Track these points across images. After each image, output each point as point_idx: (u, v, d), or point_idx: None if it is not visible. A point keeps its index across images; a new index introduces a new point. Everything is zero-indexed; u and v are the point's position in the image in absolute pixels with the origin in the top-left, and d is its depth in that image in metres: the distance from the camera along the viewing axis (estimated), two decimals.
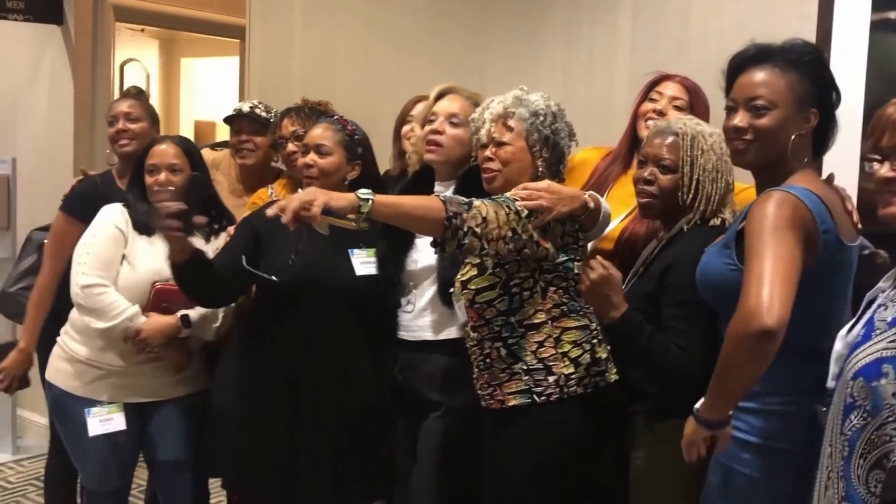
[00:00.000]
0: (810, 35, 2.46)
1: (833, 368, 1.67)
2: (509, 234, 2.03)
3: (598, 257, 2.09)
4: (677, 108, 2.52)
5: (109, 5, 4.16)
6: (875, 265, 2.03)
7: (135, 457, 2.69)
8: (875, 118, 1.63)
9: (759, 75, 1.82)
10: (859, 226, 1.95)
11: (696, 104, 2.52)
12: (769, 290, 1.64)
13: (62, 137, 4.30)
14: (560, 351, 2.14)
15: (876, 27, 2.36)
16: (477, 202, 2.02)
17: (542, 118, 2.20)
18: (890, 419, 1.50)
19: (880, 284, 1.65)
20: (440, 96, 2.47)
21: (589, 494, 2.18)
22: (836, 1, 2.43)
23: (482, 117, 2.24)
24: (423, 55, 3.53)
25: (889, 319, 1.55)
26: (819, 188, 1.81)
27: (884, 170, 1.58)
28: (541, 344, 2.14)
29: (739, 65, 1.87)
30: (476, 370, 2.24)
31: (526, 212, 2.06)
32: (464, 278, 2.18)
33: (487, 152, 2.21)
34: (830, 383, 1.67)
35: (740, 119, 1.83)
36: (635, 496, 2.16)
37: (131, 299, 2.54)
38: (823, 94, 1.84)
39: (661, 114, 2.49)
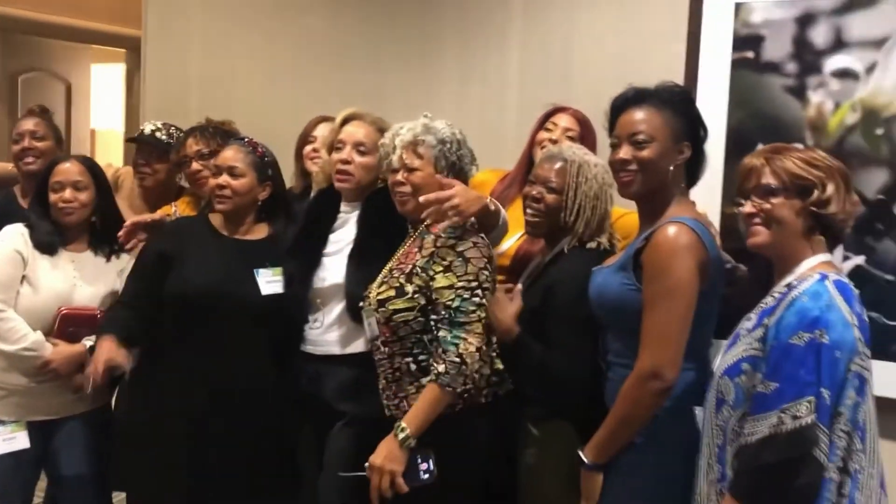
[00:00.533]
0: (679, 69, 2.71)
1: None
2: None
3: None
4: (570, 138, 2.73)
5: None
6: (735, 277, 2.30)
7: (37, 474, 2.67)
8: (738, 168, 1.90)
9: (639, 114, 2.02)
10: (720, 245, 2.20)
11: (586, 135, 2.74)
12: (669, 349, 1.90)
13: None
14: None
15: (736, 65, 2.60)
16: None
17: (448, 145, 2.34)
18: (747, 411, 1.74)
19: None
20: (345, 122, 2.56)
21: (488, 494, 2.34)
22: (702, 39, 2.66)
23: (392, 143, 2.35)
24: (322, 76, 3.61)
25: (749, 327, 1.81)
26: (698, 216, 2.04)
27: (746, 207, 1.84)
28: None
29: (620, 105, 2.07)
30: (384, 381, 2.34)
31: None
32: (381, 297, 2.28)
33: (399, 177, 2.33)
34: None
35: (624, 152, 2.02)
36: (527, 492, 2.31)
37: (35, 322, 2.54)
38: (693, 129, 2.05)
39: (554, 143, 2.69)
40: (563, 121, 2.75)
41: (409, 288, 2.26)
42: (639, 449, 1.98)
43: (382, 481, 2.19)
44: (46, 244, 2.57)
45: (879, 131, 2.37)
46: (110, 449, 2.62)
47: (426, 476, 2.21)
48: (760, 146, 2.31)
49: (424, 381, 2.26)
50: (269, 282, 2.52)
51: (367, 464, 2.22)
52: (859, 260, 2.36)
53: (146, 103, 3.89)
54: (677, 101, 2.04)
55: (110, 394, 2.74)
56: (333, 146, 2.55)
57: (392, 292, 2.27)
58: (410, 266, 2.29)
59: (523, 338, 2.20)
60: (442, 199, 2.23)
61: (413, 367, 2.28)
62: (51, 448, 2.62)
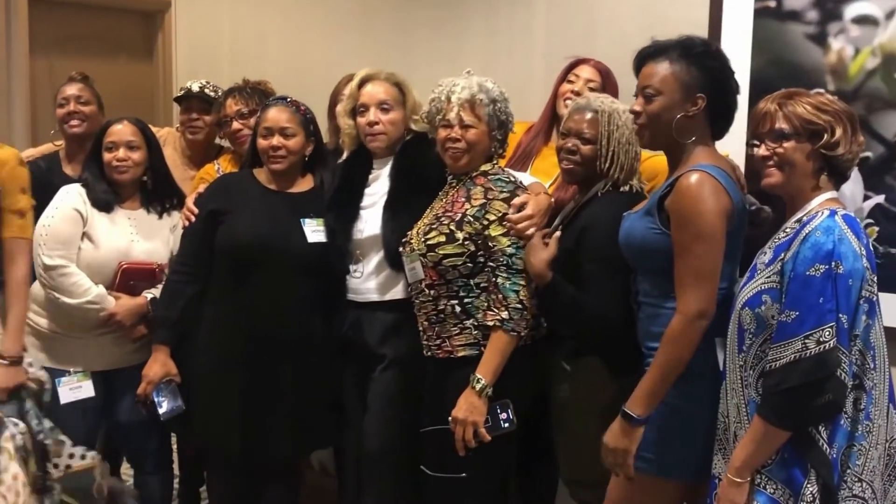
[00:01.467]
0: (703, 20, 2.77)
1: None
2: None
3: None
4: (592, 89, 2.81)
5: None
6: (760, 218, 2.42)
7: (99, 422, 2.80)
8: (753, 112, 2.00)
9: (653, 67, 2.11)
10: (745, 189, 2.30)
11: (607, 85, 2.83)
12: (707, 289, 2.00)
13: None
14: None
15: (758, 14, 2.67)
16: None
17: (498, 104, 2.44)
18: (769, 337, 1.87)
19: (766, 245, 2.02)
20: (361, 85, 2.65)
21: (526, 433, 2.48)
22: None
23: (446, 98, 2.43)
24: (352, 33, 3.68)
25: (766, 261, 1.93)
26: (722, 162, 2.13)
27: (761, 150, 1.96)
28: None
29: (640, 60, 2.16)
30: (425, 323, 2.46)
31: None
32: (431, 242, 2.40)
33: (453, 133, 2.42)
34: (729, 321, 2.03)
35: (637, 104, 2.14)
36: (560, 425, 2.44)
37: (96, 277, 2.66)
38: (713, 80, 2.11)
39: (577, 94, 2.78)
40: (585, 72, 2.84)
41: (460, 235, 2.37)
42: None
43: (466, 432, 2.32)
44: (103, 202, 2.69)
45: None
46: None
47: (507, 425, 2.35)
48: None
49: (468, 322, 2.38)
50: (315, 231, 2.63)
51: (450, 417, 2.34)
52: (879, 199, 2.45)
53: (178, 66, 3.97)
54: (695, 54, 2.10)
55: None
56: (356, 110, 2.64)
57: (442, 238, 2.38)
58: (460, 214, 2.40)
59: (556, 280, 2.30)
60: (523, 219, 2.33)
61: (458, 308, 2.40)
62: (111, 396, 2.76)
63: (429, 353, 2.48)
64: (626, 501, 2.18)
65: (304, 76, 3.61)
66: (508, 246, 2.35)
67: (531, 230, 2.36)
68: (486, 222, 2.38)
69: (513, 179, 2.47)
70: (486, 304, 2.38)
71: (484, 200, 2.40)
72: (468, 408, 2.32)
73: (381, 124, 2.60)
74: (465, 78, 2.46)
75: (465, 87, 2.43)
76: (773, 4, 2.64)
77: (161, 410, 2.61)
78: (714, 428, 2.08)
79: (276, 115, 2.64)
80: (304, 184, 2.73)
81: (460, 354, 2.40)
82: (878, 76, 2.48)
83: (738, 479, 1.89)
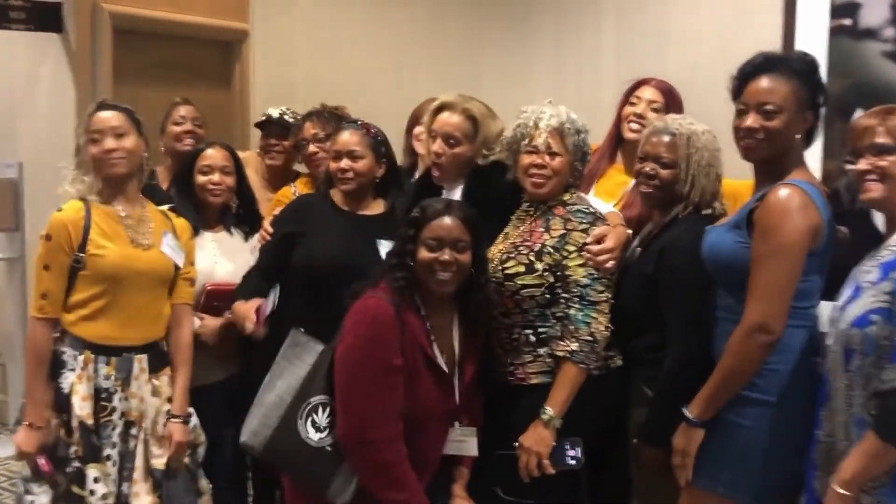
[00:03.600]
0: (776, 40, 2.77)
1: (829, 328, 2.02)
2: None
3: None
4: (654, 110, 2.84)
5: (107, 13, 4.30)
6: (837, 239, 2.38)
7: None
8: (850, 128, 2.01)
9: (768, 83, 2.10)
10: None
11: (671, 104, 2.84)
12: (775, 304, 2.01)
13: (65, 142, 4.43)
14: None
15: (834, 32, 2.67)
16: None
17: (582, 136, 2.47)
18: (881, 356, 1.85)
19: (864, 261, 2.01)
20: (438, 111, 2.70)
21: (595, 457, 2.49)
22: (797, 9, 2.73)
23: (533, 126, 2.44)
24: (421, 58, 3.75)
25: (873, 280, 1.91)
26: (814, 180, 2.13)
27: (861, 165, 1.95)
28: None
29: (750, 72, 2.14)
30: (499, 350, 2.47)
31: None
32: (509, 272, 2.40)
33: (539, 159, 2.42)
34: (829, 341, 2.01)
35: (753, 120, 2.10)
36: (637, 450, 2.43)
37: None
38: (815, 98, 2.13)
39: (640, 117, 2.81)
40: (647, 93, 2.85)
41: (539, 266, 2.38)
42: (760, 403, 2.08)
43: (530, 461, 2.33)
44: (191, 227, 2.75)
45: None
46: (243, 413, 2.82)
47: (573, 462, 2.35)
48: (859, 111, 2.42)
49: (542, 351, 2.39)
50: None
51: (515, 443, 2.35)
52: None
53: (255, 93, 4.09)
54: (804, 70, 2.11)
55: (243, 363, 2.95)
56: (430, 134, 2.70)
57: (521, 268, 2.39)
58: (539, 245, 2.41)
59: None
60: (604, 252, 2.35)
61: (533, 338, 2.41)
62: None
63: (501, 379, 2.48)
64: None
65: (377, 101, 3.68)
66: (584, 277, 2.35)
67: (611, 263, 2.36)
68: (565, 253, 2.38)
69: (592, 210, 2.47)
70: (559, 334, 2.39)
71: (564, 231, 2.41)
72: (535, 438, 2.33)
73: (444, 157, 2.65)
74: (551, 106, 2.48)
75: (554, 116, 2.44)
76: (848, 23, 2.64)
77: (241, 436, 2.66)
78: (794, 453, 2.07)
79: (345, 139, 2.69)
80: (376, 207, 2.78)
81: (533, 382, 2.41)
82: None
83: (846, 492, 1.87)
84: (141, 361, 2.47)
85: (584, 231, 2.40)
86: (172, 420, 2.51)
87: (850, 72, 2.60)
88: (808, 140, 2.18)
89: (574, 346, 2.32)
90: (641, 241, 2.50)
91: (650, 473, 2.43)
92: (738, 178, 2.60)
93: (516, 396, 2.44)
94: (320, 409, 2.28)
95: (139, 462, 2.45)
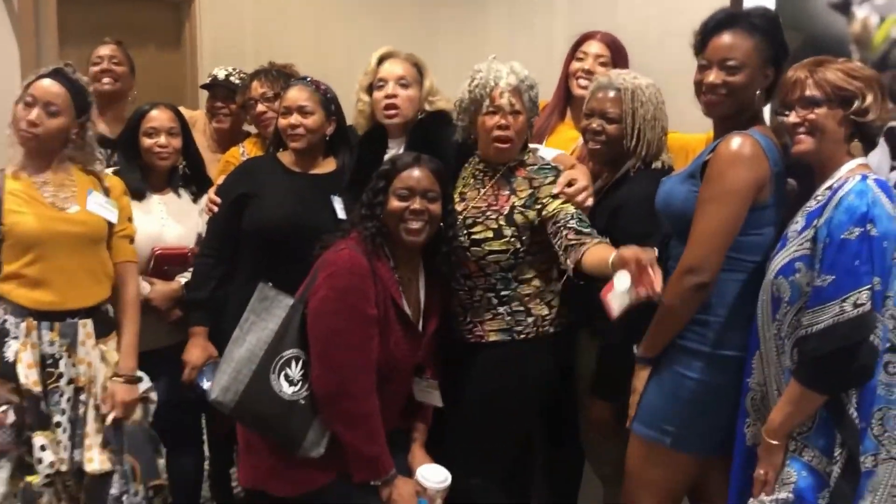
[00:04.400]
0: None
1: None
2: None
3: None
4: (602, 64, 2.83)
5: None
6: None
7: None
8: (781, 81, 2.01)
9: (730, 38, 2.09)
10: None
11: (617, 59, 2.84)
12: (707, 248, 2.03)
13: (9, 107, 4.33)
14: (540, 297, 2.42)
15: None
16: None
17: (535, 91, 2.44)
18: (804, 304, 1.88)
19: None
20: (380, 62, 2.66)
21: (545, 410, 2.54)
22: None
23: (493, 85, 2.38)
24: (374, 15, 3.69)
25: (798, 229, 1.94)
26: (770, 133, 2.13)
27: (791, 117, 1.95)
28: (527, 294, 2.41)
29: (712, 28, 2.13)
30: (458, 308, 2.47)
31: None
32: (477, 237, 2.39)
33: (503, 120, 2.37)
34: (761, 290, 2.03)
35: (715, 76, 2.09)
36: (584, 401, 2.51)
37: None
38: (777, 54, 2.12)
39: (588, 72, 2.80)
40: (594, 48, 2.84)
41: (508, 231, 2.37)
42: (706, 356, 2.11)
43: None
44: (137, 190, 2.72)
45: None
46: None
47: None
48: None
49: (501, 309, 2.40)
50: (343, 210, 2.64)
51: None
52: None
53: (203, 51, 4.02)
54: (767, 27, 2.11)
55: None
56: (374, 86, 2.65)
57: (490, 234, 2.38)
58: (508, 208, 2.39)
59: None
60: (580, 191, 2.31)
61: (494, 300, 2.41)
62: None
63: (458, 337, 2.49)
64: (643, 473, 2.23)
65: (326, 59, 3.65)
66: (571, 208, 2.32)
67: (589, 200, 2.35)
68: (539, 206, 2.37)
69: (549, 164, 2.46)
70: (521, 296, 2.39)
71: (531, 190, 2.40)
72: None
73: (398, 98, 2.61)
74: (505, 64, 2.43)
75: (512, 73, 2.40)
76: None
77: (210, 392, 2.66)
78: (738, 403, 2.09)
79: (294, 94, 2.65)
80: (328, 165, 2.75)
81: (491, 339, 2.42)
82: None
83: (775, 441, 1.91)
84: (86, 326, 2.44)
85: (552, 184, 2.39)
86: (114, 379, 2.47)
87: (798, 24, 2.59)
88: (767, 96, 2.18)
89: (598, 238, 2.25)
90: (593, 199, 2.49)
91: (599, 429, 2.47)
92: (688, 131, 2.62)
93: (473, 353, 2.45)
94: (293, 363, 2.27)
95: (90, 428, 2.42)
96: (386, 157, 2.65)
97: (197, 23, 4.26)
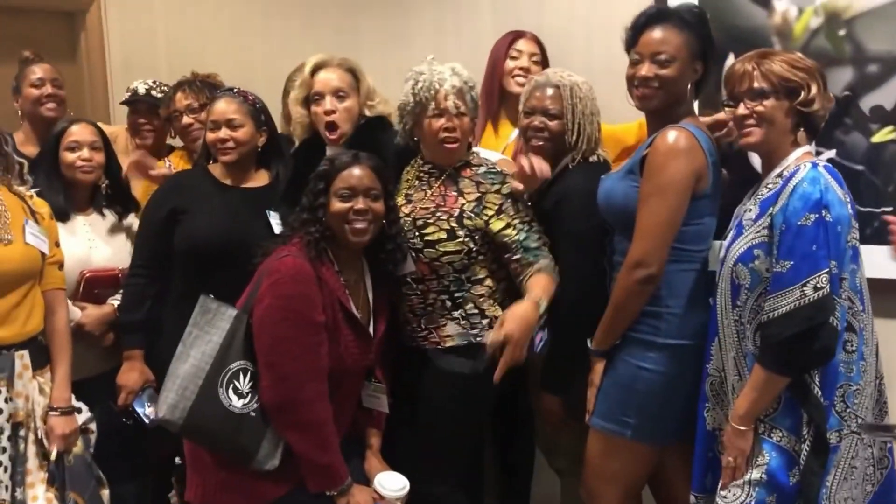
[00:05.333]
0: None
1: (717, 267, 2.09)
2: None
3: None
4: (535, 62, 2.88)
5: None
6: None
7: None
8: (726, 73, 2.06)
9: (661, 33, 2.15)
10: None
11: (545, 57, 2.89)
12: (653, 241, 2.09)
13: None
14: (492, 298, 2.42)
15: None
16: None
17: (475, 90, 2.44)
18: (764, 290, 1.94)
19: (744, 201, 2.09)
20: (314, 72, 2.61)
21: (506, 406, 2.55)
22: None
23: (436, 87, 2.36)
24: (293, 20, 3.61)
25: (753, 217, 1.99)
26: (702, 125, 2.19)
27: (740, 109, 2.00)
28: (480, 295, 2.41)
29: (643, 23, 2.18)
30: (409, 314, 2.45)
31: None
32: (430, 238, 2.37)
33: (449, 122, 2.36)
34: (717, 279, 2.09)
35: (647, 69, 2.15)
36: (538, 394, 2.52)
37: None
38: (706, 49, 2.19)
39: (525, 70, 2.84)
40: (526, 46, 2.89)
41: (461, 232, 2.36)
42: (661, 347, 2.16)
43: (515, 351, 2.20)
44: (61, 211, 2.59)
45: (842, 32, 2.53)
46: None
47: (540, 345, 2.37)
48: (731, 56, 2.51)
49: (456, 314, 2.38)
50: (279, 224, 2.56)
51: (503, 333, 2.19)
52: (831, 153, 2.53)
53: (112, 63, 3.86)
54: (695, 22, 2.17)
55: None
56: (310, 98, 2.60)
57: (443, 234, 2.36)
58: (458, 210, 2.38)
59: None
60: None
61: (449, 303, 2.40)
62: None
63: (413, 344, 2.47)
64: (604, 466, 2.26)
65: (245, 68, 3.55)
66: (516, 233, 2.37)
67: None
68: (485, 217, 2.37)
69: (495, 168, 2.47)
70: (474, 297, 2.39)
71: (478, 194, 2.40)
72: (523, 320, 2.20)
73: (337, 113, 2.56)
74: (445, 66, 2.42)
75: (454, 75, 2.40)
76: None
77: (148, 418, 2.57)
78: (696, 391, 2.14)
79: (222, 107, 2.57)
80: (260, 178, 2.67)
81: (448, 345, 2.40)
82: (823, 35, 2.56)
83: (743, 427, 1.96)
84: (23, 357, 2.31)
85: (498, 192, 2.40)
86: (51, 413, 2.35)
87: (720, 17, 2.64)
88: (697, 90, 2.25)
89: (544, 260, 2.35)
90: (533, 194, 2.51)
91: (550, 422, 2.49)
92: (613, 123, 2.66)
93: (432, 359, 2.43)
94: (241, 375, 2.22)
95: (31, 464, 2.30)
96: None
97: (98, 35, 4.08)
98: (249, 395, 2.20)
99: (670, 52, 2.13)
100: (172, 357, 2.34)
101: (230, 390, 2.20)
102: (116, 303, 2.66)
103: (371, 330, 2.34)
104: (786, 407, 1.94)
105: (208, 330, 2.24)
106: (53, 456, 2.33)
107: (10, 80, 3.22)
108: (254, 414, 2.20)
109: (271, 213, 2.57)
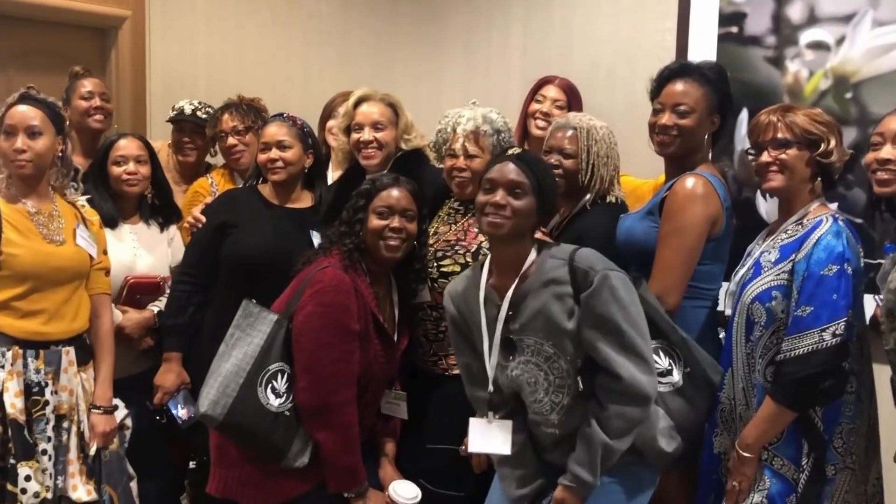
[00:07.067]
0: (671, 44, 3.01)
1: (728, 301, 2.25)
2: None
3: None
4: (559, 108, 3.04)
5: None
6: None
7: None
8: (751, 124, 2.22)
9: (683, 86, 2.32)
10: None
11: (573, 102, 3.05)
12: (671, 278, 2.22)
13: None
14: None
15: (722, 39, 2.93)
16: None
17: (502, 135, 2.59)
18: (780, 328, 2.08)
19: (757, 240, 2.25)
20: (357, 104, 2.76)
21: None
22: (690, 17, 2.98)
23: (451, 130, 2.56)
24: (330, 50, 3.74)
25: (773, 260, 2.13)
26: (718, 173, 2.36)
27: (763, 157, 2.16)
28: None
29: (667, 76, 2.36)
30: (423, 339, 2.57)
31: None
32: (445, 270, 2.50)
33: (460, 163, 2.54)
34: (728, 311, 2.24)
35: (667, 118, 2.32)
36: None
37: None
38: (723, 103, 2.36)
39: (546, 114, 3.00)
40: (551, 92, 3.04)
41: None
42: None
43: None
44: (109, 218, 2.73)
45: (848, 95, 2.72)
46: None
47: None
48: (745, 110, 2.69)
49: None
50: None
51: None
52: (833, 206, 2.70)
53: (152, 84, 3.98)
54: (715, 78, 2.34)
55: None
56: (351, 128, 2.75)
57: (458, 268, 2.49)
58: (475, 246, 2.51)
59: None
60: None
61: None
62: None
63: (423, 367, 2.57)
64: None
65: (283, 93, 3.66)
66: None
67: None
68: None
69: None
70: None
71: None
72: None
73: (374, 142, 2.71)
74: (470, 109, 2.60)
75: (470, 119, 2.56)
76: (735, 30, 2.90)
77: (182, 419, 2.68)
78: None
79: (273, 130, 2.74)
80: (305, 199, 2.82)
81: (455, 373, 2.47)
82: (830, 96, 2.76)
83: (749, 455, 2.09)
84: (69, 353, 2.44)
85: None
86: (93, 410, 2.48)
87: (736, 74, 2.83)
88: (714, 141, 2.41)
89: None
90: (552, 231, 2.64)
91: None
92: (633, 171, 2.82)
93: (438, 385, 2.54)
94: (279, 376, 2.34)
95: (72, 455, 2.42)
96: None
97: (136, 53, 4.20)
98: (285, 395, 2.33)
99: (690, 104, 2.30)
100: (209, 362, 2.44)
101: (268, 389, 2.32)
102: (156, 309, 2.79)
103: (396, 341, 2.48)
104: (788, 438, 2.07)
105: (250, 332, 2.37)
106: (93, 451, 2.45)
107: (41, 90, 3.35)
108: (288, 413, 2.32)
109: (314, 232, 2.71)
